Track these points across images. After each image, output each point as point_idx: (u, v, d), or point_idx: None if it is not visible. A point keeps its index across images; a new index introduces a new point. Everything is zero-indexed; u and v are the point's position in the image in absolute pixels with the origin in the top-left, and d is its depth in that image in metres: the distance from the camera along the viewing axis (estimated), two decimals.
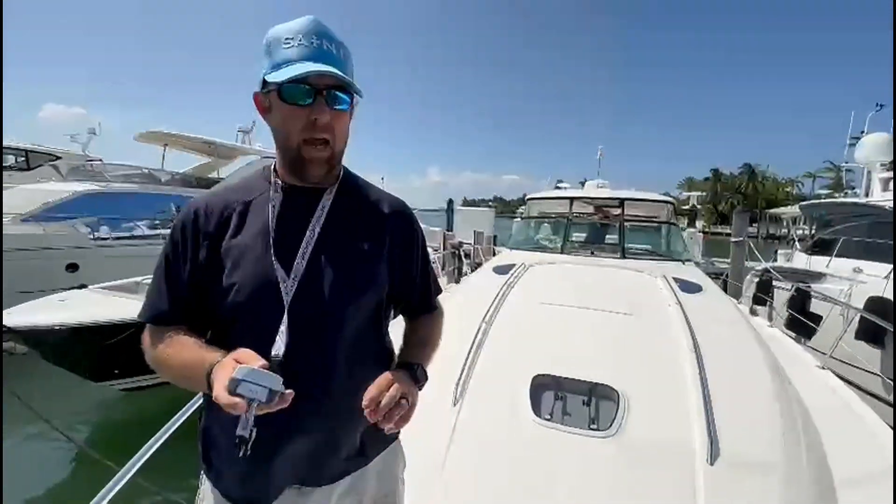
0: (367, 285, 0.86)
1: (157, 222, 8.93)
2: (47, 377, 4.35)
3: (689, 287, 3.27)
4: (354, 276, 0.84)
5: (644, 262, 4.12)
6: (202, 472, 0.89)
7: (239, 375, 0.63)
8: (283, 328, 0.76)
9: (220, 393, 0.63)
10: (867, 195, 7.29)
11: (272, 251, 0.79)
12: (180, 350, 0.77)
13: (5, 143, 12.12)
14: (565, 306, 2.75)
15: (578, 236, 5.28)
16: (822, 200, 8.07)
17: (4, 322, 3.57)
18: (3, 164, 11.26)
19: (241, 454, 0.62)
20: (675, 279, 3.35)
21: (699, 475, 1.44)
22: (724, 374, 1.97)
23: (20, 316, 3.74)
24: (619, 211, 4.78)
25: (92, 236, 7.46)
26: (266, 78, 0.78)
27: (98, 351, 3.85)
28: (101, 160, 11.84)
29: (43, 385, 4.63)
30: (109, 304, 4.15)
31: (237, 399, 0.62)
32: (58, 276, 6.53)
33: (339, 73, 0.77)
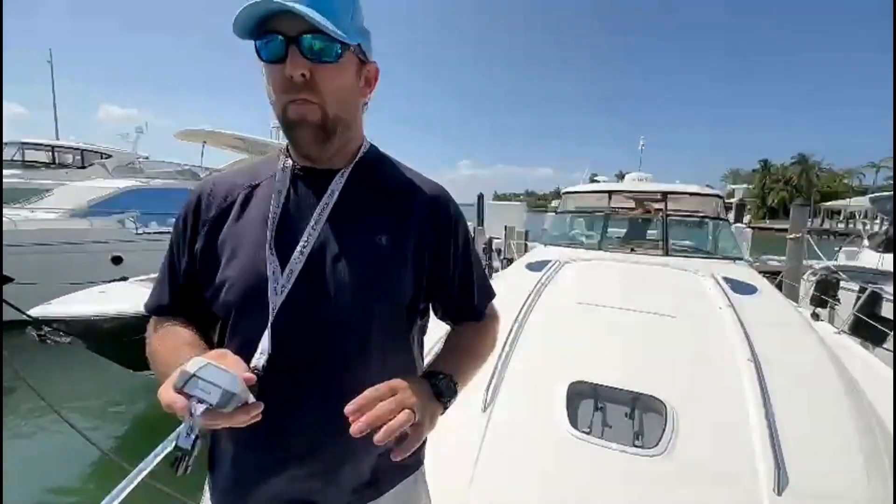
0: (381, 288, 0.70)
1: None
2: (87, 366, 4.53)
3: (743, 288, 2.99)
4: (365, 277, 0.69)
5: (690, 260, 3.82)
6: (206, 480, 0.79)
7: (191, 369, 0.51)
8: (265, 335, 0.64)
9: (164, 388, 0.53)
10: None
11: (269, 243, 0.68)
12: (169, 345, 0.70)
13: (66, 142, 12.95)
14: (604, 307, 2.55)
15: (617, 232, 5.00)
16: None
17: (48, 313, 3.73)
18: (63, 163, 12.03)
19: (177, 471, 0.51)
20: (726, 279, 3.07)
21: None
22: (789, 388, 1.75)
23: (62, 306, 3.90)
24: (661, 205, 4.48)
25: (136, 230, 7.80)
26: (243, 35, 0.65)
27: (136, 341, 3.96)
28: (147, 157, 12.43)
29: (81, 373, 4.84)
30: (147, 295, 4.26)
31: (177, 397, 0.51)
32: (103, 269, 6.86)
33: (306, 9, 0.59)
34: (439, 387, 0.67)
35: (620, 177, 7.81)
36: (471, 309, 0.86)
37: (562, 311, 2.52)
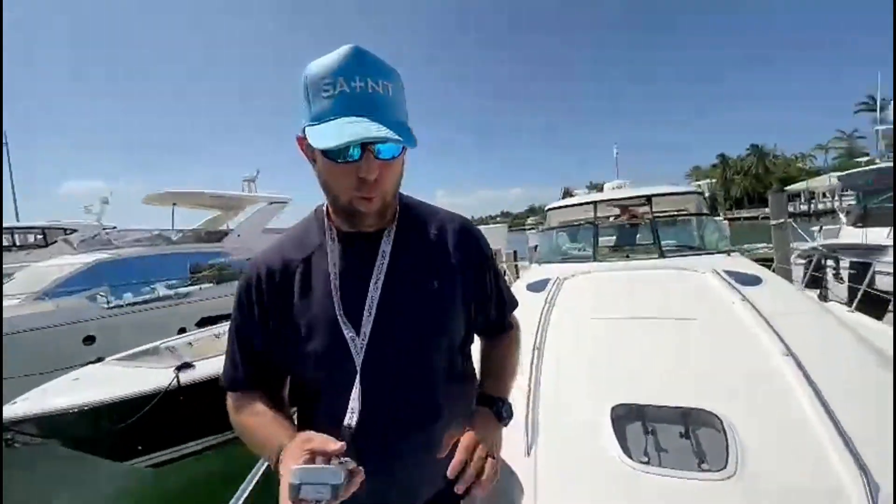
0: (443, 330, 0.82)
1: (174, 282, 8.90)
2: (68, 464, 4.10)
3: (747, 279, 2.92)
4: (427, 326, 0.80)
5: (686, 258, 3.78)
6: None
7: (296, 480, 0.61)
8: (354, 394, 0.73)
9: (283, 502, 0.61)
10: None
11: (339, 311, 0.76)
12: (256, 425, 0.78)
13: (26, 223, 12.44)
14: (619, 318, 2.43)
15: (607, 241, 4.96)
16: (865, 168, 7.60)
17: (13, 414, 3.36)
18: (24, 244, 11.50)
19: None
20: (728, 272, 3.00)
21: None
22: (836, 378, 1.64)
23: (30, 403, 3.52)
24: (645, 209, 4.48)
25: (107, 305, 7.37)
26: (307, 136, 0.70)
27: (118, 429, 3.61)
28: (115, 227, 12.03)
29: (63, 471, 4.39)
30: (127, 377, 3.93)
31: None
32: (74, 352, 6.38)
33: (386, 132, 0.66)
34: (501, 413, 0.82)
35: (594, 187, 7.92)
36: (503, 323, 0.99)
37: (578, 329, 2.38)
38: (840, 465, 1.26)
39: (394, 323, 0.77)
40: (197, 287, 9.18)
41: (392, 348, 0.76)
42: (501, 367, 0.95)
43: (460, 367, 0.89)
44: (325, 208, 0.84)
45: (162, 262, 9.06)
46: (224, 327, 6.09)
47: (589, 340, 2.24)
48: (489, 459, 0.71)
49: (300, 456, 0.63)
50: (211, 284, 9.56)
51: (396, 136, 0.66)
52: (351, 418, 0.72)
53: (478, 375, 0.95)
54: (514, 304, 1.02)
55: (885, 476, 1.20)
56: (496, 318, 0.97)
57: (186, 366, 3.92)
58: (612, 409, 1.57)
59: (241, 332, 0.82)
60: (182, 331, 6.90)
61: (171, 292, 8.59)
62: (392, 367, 0.76)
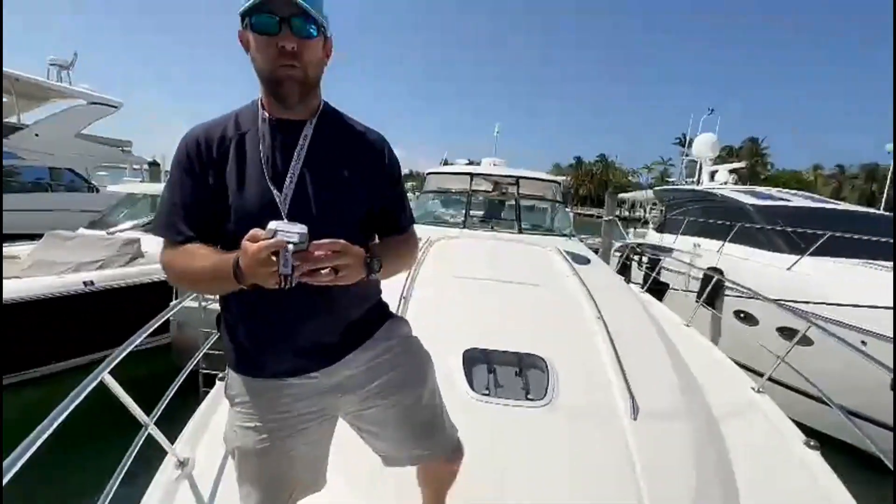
0: (348, 204, 0.96)
1: None
2: None
3: (580, 259, 3.53)
4: (335, 198, 0.95)
5: (537, 236, 4.35)
6: (227, 366, 1.02)
7: (273, 226, 0.76)
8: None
9: (261, 245, 0.74)
10: (698, 183, 8.96)
11: (267, 176, 0.91)
12: (205, 258, 0.87)
13: None
14: (479, 279, 2.73)
15: (476, 212, 5.37)
16: (671, 187, 9.63)
17: None
18: None
19: (285, 286, 0.76)
20: (568, 252, 3.58)
21: (627, 431, 1.56)
22: (626, 336, 2.14)
23: None
24: (514, 188, 4.96)
25: None
26: (239, 11, 0.86)
27: None
28: None
29: None
30: None
31: (271, 241, 0.74)
32: None
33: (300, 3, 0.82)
34: (372, 265, 0.92)
35: (472, 163, 8.37)
36: (399, 224, 1.10)
37: (442, 285, 2.61)
38: (617, 392, 1.72)
39: (307, 192, 0.92)
40: None
41: (307, 210, 0.91)
42: (388, 246, 1.05)
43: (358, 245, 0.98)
44: (259, 99, 0.97)
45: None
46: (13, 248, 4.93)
47: (450, 294, 2.51)
48: (339, 271, 0.82)
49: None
50: None
51: (309, 7, 0.83)
52: None
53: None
54: (412, 218, 1.15)
55: (645, 399, 1.67)
56: (393, 219, 1.09)
57: None
58: (464, 352, 1.83)
59: (182, 187, 0.92)
60: None
61: None
62: (306, 222, 0.84)
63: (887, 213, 6.91)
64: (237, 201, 0.90)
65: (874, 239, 4.48)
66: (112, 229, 5.54)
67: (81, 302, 4.07)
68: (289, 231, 0.75)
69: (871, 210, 7.07)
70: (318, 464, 1.06)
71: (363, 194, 0.99)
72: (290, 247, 0.75)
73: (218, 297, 1.04)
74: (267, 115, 0.95)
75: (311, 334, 0.97)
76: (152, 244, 5.12)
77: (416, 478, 1.26)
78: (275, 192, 0.90)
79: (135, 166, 12.90)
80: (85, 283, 4.11)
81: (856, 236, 4.43)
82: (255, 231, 0.77)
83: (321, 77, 0.96)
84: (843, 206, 6.65)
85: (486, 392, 1.69)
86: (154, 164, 11.99)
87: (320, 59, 0.93)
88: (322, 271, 0.80)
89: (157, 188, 7.16)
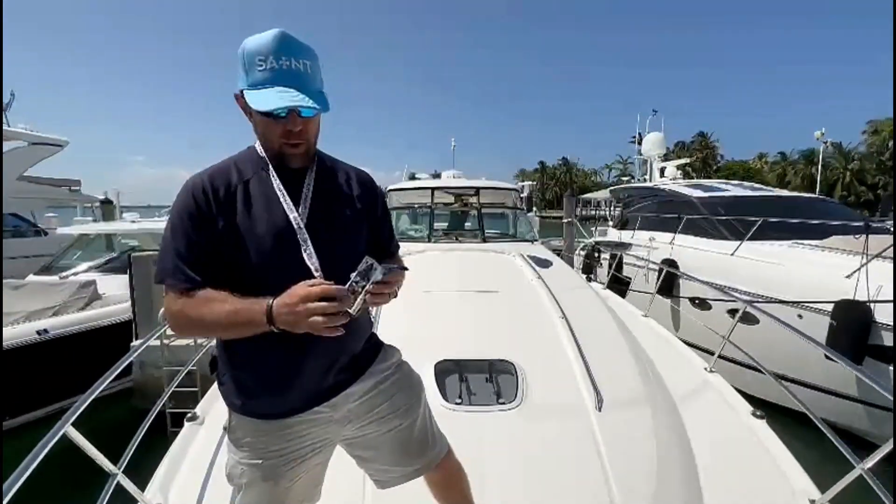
0: (354, 239, 1.06)
1: None
2: None
3: (543, 263, 3.67)
4: (344, 235, 1.05)
5: (501, 244, 4.48)
6: (230, 409, 1.05)
7: (370, 261, 0.88)
8: (314, 266, 0.97)
9: (312, 286, 0.85)
10: (650, 180, 9.44)
11: (285, 209, 0.98)
12: (223, 302, 0.90)
13: None
14: (447, 291, 2.81)
15: (440, 225, 5.46)
16: (625, 185, 10.11)
17: None
18: None
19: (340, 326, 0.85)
20: (530, 257, 3.71)
21: (594, 422, 1.66)
22: (589, 333, 2.26)
23: None
24: (475, 199, 5.08)
25: None
26: (246, 98, 0.93)
27: None
28: None
29: None
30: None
31: (337, 287, 0.85)
32: None
33: (308, 100, 0.92)
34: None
35: (436, 175, 8.52)
36: (389, 249, 1.22)
37: (412, 300, 2.66)
38: (583, 387, 1.82)
39: (320, 231, 1.00)
40: None
41: (326, 247, 1.00)
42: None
43: None
44: (257, 148, 1.05)
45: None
46: None
47: (420, 309, 2.55)
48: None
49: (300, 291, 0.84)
50: None
51: (314, 104, 0.93)
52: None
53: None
54: (397, 245, 1.27)
55: (608, 391, 1.77)
56: (384, 245, 1.20)
57: None
58: (436, 364, 1.89)
59: (188, 235, 0.95)
60: None
61: None
62: (325, 260, 0.98)
63: (814, 196, 7.53)
64: (254, 240, 0.95)
65: (802, 221, 4.89)
66: (65, 273, 5.31)
67: (36, 352, 3.89)
68: (377, 268, 0.86)
69: (800, 195, 7.69)
70: (317, 484, 1.12)
71: (364, 228, 1.10)
72: (368, 284, 0.86)
73: (214, 340, 1.07)
74: (270, 163, 1.03)
75: (319, 371, 1.01)
76: (110, 285, 4.95)
77: (435, 499, 1.28)
78: (295, 225, 0.97)
79: (85, 205, 12.33)
80: (38, 332, 3.93)
81: (787, 220, 4.82)
82: (318, 285, 0.86)
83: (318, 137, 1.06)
84: (775, 191, 7.20)
85: (459, 401, 1.75)
86: (107, 202, 11.49)
87: (318, 129, 1.03)
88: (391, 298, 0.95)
89: (113, 227, 6.91)
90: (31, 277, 5.23)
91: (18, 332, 3.86)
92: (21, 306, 4.14)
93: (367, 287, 0.86)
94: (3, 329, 3.83)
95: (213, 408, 1.98)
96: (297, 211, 0.99)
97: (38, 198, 10.61)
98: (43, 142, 9.99)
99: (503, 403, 1.74)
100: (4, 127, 9.87)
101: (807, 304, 3.86)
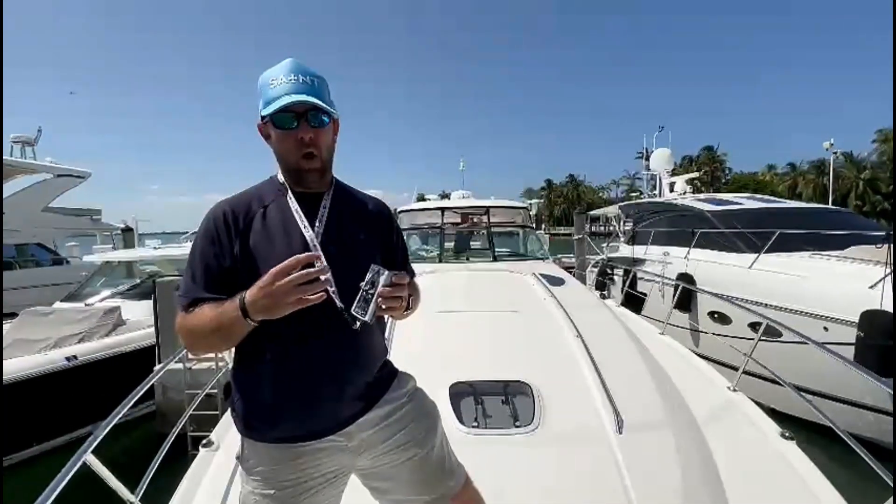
0: (368, 260, 1.01)
1: None
2: None
3: (555, 281, 3.65)
4: (357, 256, 1.04)
5: (512, 262, 4.49)
6: (242, 435, 1.05)
7: (376, 268, 0.92)
8: (331, 282, 0.95)
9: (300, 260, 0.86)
10: (660, 195, 9.42)
11: (311, 234, 1.02)
12: (212, 308, 0.92)
13: None
14: (460, 312, 2.82)
15: (451, 245, 5.51)
16: (635, 201, 10.10)
17: None
18: None
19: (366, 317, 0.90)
20: (542, 275, 3.69)
21: (614, 445, 1.60)
22: (606, 351, 2.22)
23: None
24: (484, 218, 5.13)
25: None
26: (261, 112, 1.00)
27: None
28: None
29: None
30: None
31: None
32: None
33: (312, 98, 0.98)
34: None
35: (444, 196, 8.61)
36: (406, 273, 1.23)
37: (425, 322, 2.67)
38: (601, 409, 1.78)
39: (334, 251, 1.02)
40: None
41: (341, 266, 0.99)
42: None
43: None
44: (276, 176, 1.11)
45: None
46: None
47: (433, 330, 2.55)
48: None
49: (271, 279, 0.84)
50: None
51: (321, 102, 0.98)
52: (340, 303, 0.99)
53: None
54: (413, 271, 1.26)
55: (629, 413, 1.72)
56: (399, 269, 1.22)
57: None
58: (451, 386, 1.87)
59: (206, 257, 1.00)
60: None
61: None
62: (341, 275, 0.98)
63: (830, 207, 7.41)
64: (270, 258, 0.94)
65: (818, 232, 4.82)
66: (90, 300, 5.45)
67: (66, 378, 3.97)
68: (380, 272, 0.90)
69: (815, 206, 7.58)
70: None
71: (377, 252, 1.12)
72: (383, 279, 0.90)
73: (230, 366, 1.09)
74: (288, 189, 1.08)
75: (333, 398, 1.01)
76: (133, 311, 5.07)
77: None
78: (311, 243, 1.00)
79: (105, 233, 12.71)
80: (67, 359, 4.02)
81: (804, 231, 4.76)
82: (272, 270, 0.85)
83: (333, 157, 1.11)
84: (789, 203, 7.11)
85: (475, 424, 1.72)
86: (127, 230, 11.83)
87: (332, 141, 1.08)
88: (402, 303, 0.95)
89: (134, 254, 7.09)
90: (58, 304, 5.38)
91: (48, 359, 3.96)
92: (50, 333, 4.26)
93: (377, 292, 0.88)
94: (34, 356, 3.94)
95: (228, 434, 1.98)
96: (313, 230, 1.02)
97: (62, 228, 11.03)
98: (68, 173, 10.44)
99: (520, 426, 1.70)
100: (31, 160, 10.36)
101: (832, 317, 3.77)
